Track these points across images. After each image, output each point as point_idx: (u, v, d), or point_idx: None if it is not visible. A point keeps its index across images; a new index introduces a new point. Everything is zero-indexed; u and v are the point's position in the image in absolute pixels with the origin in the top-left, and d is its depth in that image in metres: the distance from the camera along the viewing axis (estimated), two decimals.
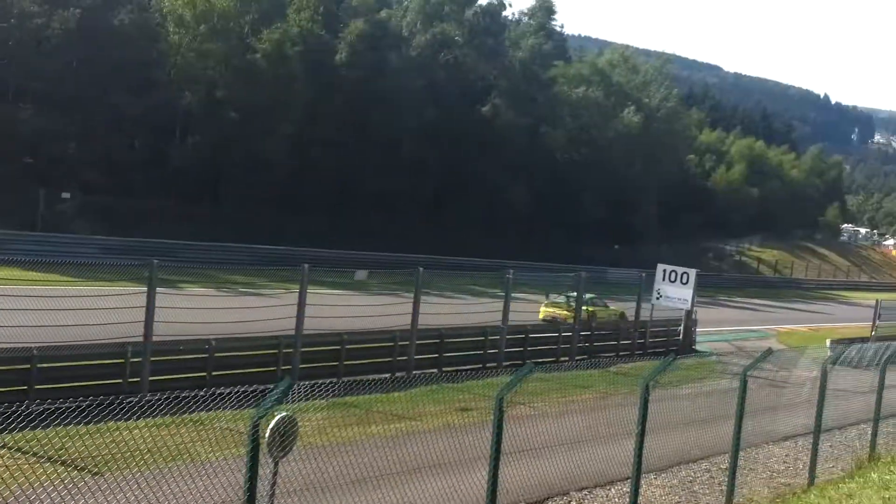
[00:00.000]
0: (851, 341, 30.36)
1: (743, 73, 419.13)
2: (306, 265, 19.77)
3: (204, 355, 17.99)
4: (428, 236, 54.24)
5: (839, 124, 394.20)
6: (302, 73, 52.85)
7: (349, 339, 20.76)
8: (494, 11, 67.85)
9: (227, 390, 14.68)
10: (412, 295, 22.11)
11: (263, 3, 53.11)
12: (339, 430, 15.00)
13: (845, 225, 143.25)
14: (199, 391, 15.29)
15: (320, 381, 16.31)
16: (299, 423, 9.25)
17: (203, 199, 49.35)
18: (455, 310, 25.48)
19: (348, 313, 20.98)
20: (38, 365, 15.54)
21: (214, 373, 17.90)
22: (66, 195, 43.33)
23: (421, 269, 22.42)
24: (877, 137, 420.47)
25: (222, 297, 24.17)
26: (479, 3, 67.39)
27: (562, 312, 32.58)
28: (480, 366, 23.20)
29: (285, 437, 8.47)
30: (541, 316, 33.55)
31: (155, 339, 17.06)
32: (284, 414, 8.51)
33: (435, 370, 22.27)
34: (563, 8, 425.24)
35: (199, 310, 19.04)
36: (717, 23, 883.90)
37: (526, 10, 73.82)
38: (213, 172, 50.72)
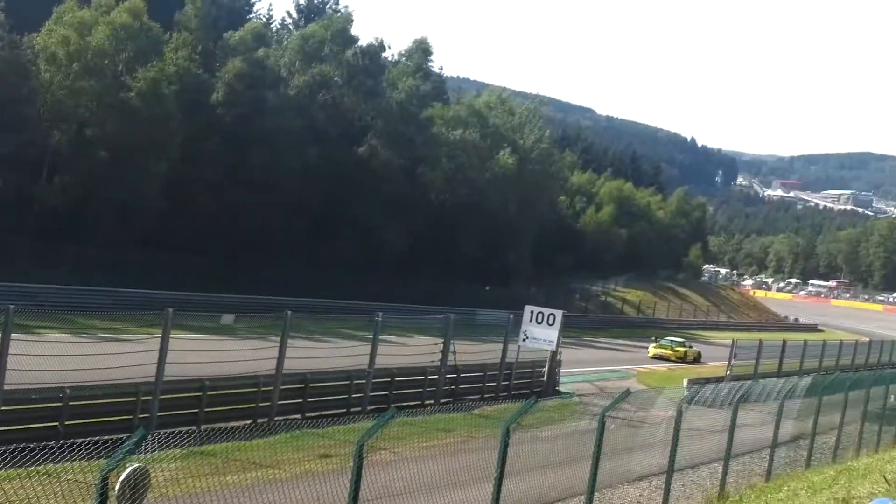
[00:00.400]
0: (707, 381, 31.48)
1: (615, 116, 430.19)
2: (170, 309, 19.53)
3: (58, 404, 17.54)
4: (304, 277, 53.98)
5: (705, 166, 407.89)
6: (178, 112, 52.19)
7: (211, 385, 20.53)
8: (374, 52, 68.20)
9: (80, 441, 14.47)
10: (279, 338, 22.03)
11: (140, 42, 52.24)
12: (194, 480, 14.77)
13: (707, 265, 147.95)
14: (50, 442, 14.92)
15: (177, 430, 16.14)
16: (152, 475, 9.19)
17: (70, 240, 48.07)
18: (323, 354, 25.46)
19: (212, 358, 20.78)
20: None
21: (68, 422, 17.47)
22: None
23: (289, 312, 22.34)
24: (739, 179, 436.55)
25: (81, 343, 23.58)
26: (359, 43, 67.91)
27: (667, 352, 50.96)
28: (345, 410, 23.19)
29: (136, 489, 8.42)
30: (650, 354, 50.81)
31: (7, 387, 16.62)
32: (136, 465, 8.45)
33: (298, 416, 22.20)
34: (443, 50, 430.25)
35: (55, 356, 18.62)
36: (591, 67, 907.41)
37: (403, 51, 74.35)
38: (81, 213, 49.48)
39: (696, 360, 51.64)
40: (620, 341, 55.82)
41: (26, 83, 48.60)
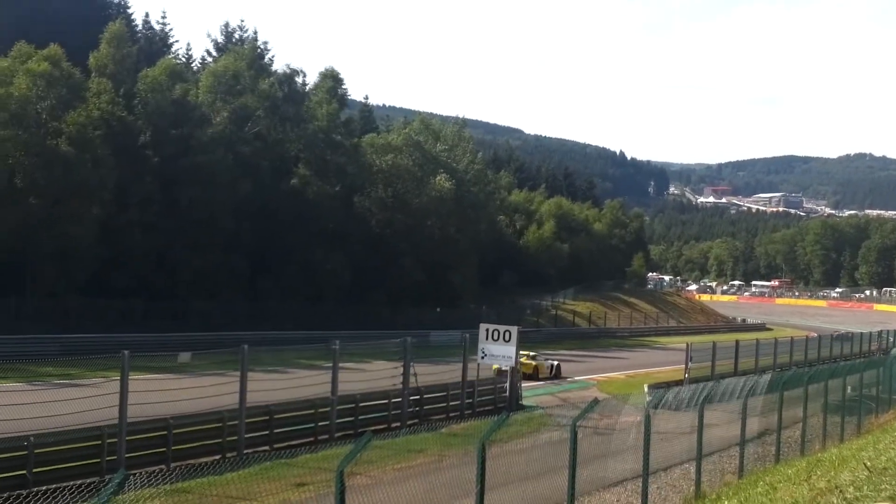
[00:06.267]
0: (668, 385, 31.64)
1: (543, 135, 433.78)
2: (126, 351, 19.17)
3: (23, 453, 17.10)
4: (248, 312, 53.57)
5: (635, 178, 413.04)
6: (107, 156, 51.51)
7: (175, 423, 20.15)
8: (290, 79, 68.27)
9: (53, 487, 14.14)
10: (238, 373, 21.74)
11: (61, 88, 51.62)
12: None
13: (650, 273, 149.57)
14: (20, 491, 14.52)
15: (151, 470, 15.80)
16: None
17: (9, 291, 47.04)
18: (283, 385, 25.12)
19: (174, 397, 20.42)
20: None
21: (35, 470, 17.03)
22: None
23: (245, 346, 22.10)
24: (671, 189, 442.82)
25: (37, 391, 23.00)
26: (275, 71, 67.97)
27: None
28: (312, 439, 22.94)
29: None
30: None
31: None
32: None
33: (266, 447, 21.86)
34: (369, 80, 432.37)
35: (13, 406, 18.12)
36: (515, 88, 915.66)
37: (315, 83, 73.57)
38: (18, 262, 48.45)
39: (556, 374, 43.68)
40: (575, 352, 55.95)
41: None
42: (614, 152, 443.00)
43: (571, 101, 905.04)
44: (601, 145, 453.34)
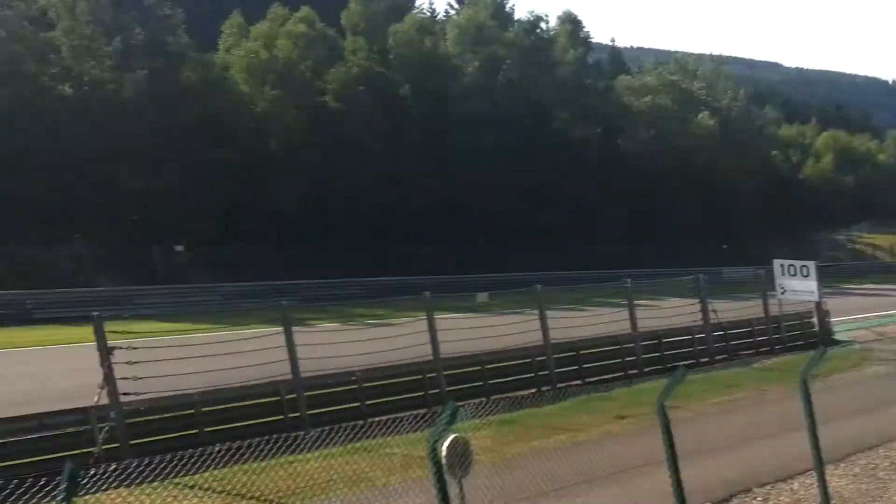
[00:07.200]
0: None
1: (805, 67, 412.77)
2: (427, 293, 19.62)
3: (353, 386, 17.92)
4: (529, 253, 54.08)
5: None
6: (372, 110, 52.96)
7: (488, 359, 20.40)
8: (534, 27, 68.06)
9: (387, 418, 14.56)
10: (536, 312, 21.73)
11: (318, 50, 53.62)
12: (504, 447, 14.70)
13: None
14: (358, 421, 15.07)
15: (473, 401, 16.01)
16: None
17: (305, 237, 49.59)
18: (580, 322, 24.96)
19: (480, 335, 20.64)
20: (202, 409, 15.71)
21: (367, 402, 17.76)
22: (179, 248, 44.36)
23: (539, 285, 22.24)
24: None
25: (353, 330, 24.03)
26: (518, 19, 68.23)
27: None
28: (622, 373, 22.70)
29: (463, 457, 8.49)
30: None
31: (302, 375, 16.93)
32: (457, 435, 8.35)
33: (578, 381, 21.79)
34: (615, 22, 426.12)
35: (334, 344, 18.88)
36: (770, 18, 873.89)
37: (555, 26, 72.33)
38: (309, 211, 50.79)
39: None
40: (885, 286, 52.42)
41: (228, 97, 50.51)
42: (887, 81, 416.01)
43: (835, 28, 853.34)
44: (871, 75, 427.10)
